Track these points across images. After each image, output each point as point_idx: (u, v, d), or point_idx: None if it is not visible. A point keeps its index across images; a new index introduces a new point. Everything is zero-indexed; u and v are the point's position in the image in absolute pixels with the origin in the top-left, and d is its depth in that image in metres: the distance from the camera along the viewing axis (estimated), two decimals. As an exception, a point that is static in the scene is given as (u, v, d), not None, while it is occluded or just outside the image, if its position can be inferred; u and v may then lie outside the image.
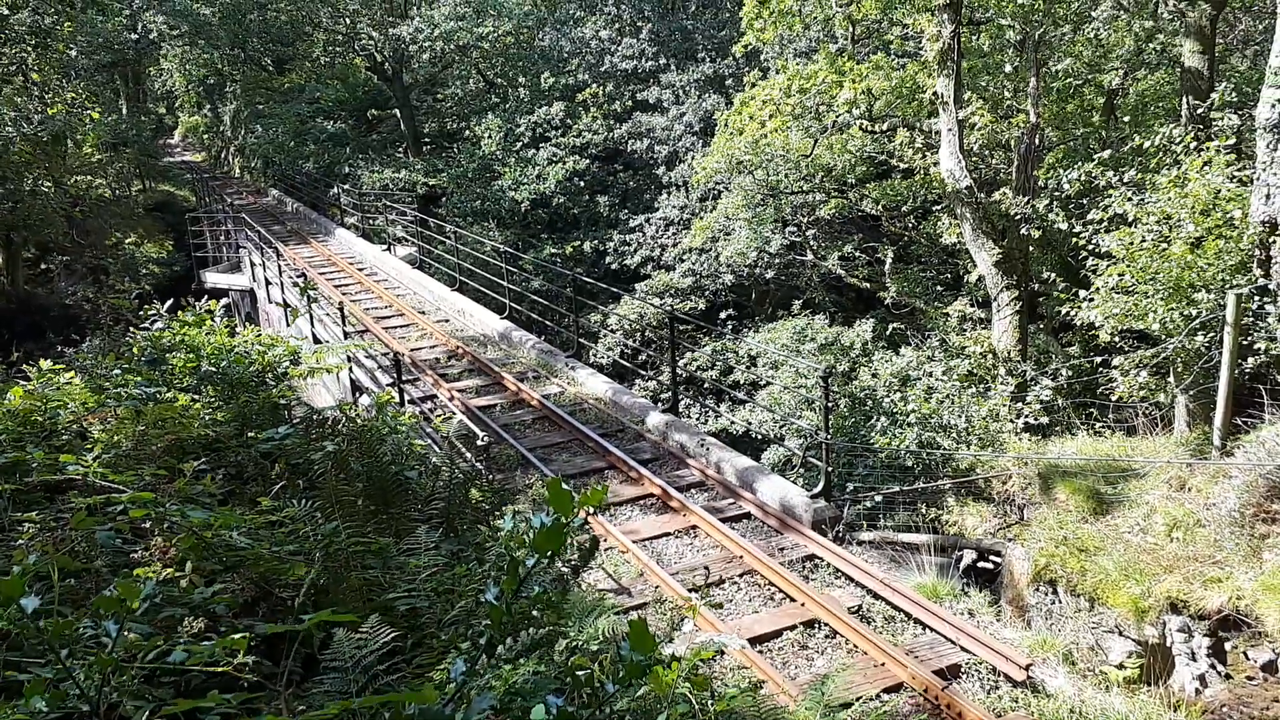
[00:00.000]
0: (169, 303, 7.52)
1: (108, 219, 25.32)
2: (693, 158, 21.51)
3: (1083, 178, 10.96)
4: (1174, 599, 7.49)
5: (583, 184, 24.34)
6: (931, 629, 6.61)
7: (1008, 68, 14.84)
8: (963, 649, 6.31)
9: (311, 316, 13.05)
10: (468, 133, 27.20)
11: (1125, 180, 10.60)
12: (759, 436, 15.76)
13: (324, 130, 31.34)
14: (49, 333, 21.11)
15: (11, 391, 4.68)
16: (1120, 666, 7.21)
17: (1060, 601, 8.22)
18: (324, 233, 25.10)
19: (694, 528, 8.30)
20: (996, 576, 9.03)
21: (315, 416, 5.38)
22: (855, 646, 6.43)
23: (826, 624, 6.70)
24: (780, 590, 7.20)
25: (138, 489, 3.48)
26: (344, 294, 17.30)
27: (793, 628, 6.69)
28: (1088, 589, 7.95)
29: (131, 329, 6.98)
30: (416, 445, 5.81)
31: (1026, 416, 11.61)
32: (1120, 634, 7.60)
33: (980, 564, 9.26)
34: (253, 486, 4.26)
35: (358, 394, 11.50)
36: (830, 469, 8.54)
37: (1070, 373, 12.64)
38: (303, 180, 30.39)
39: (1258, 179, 9.07)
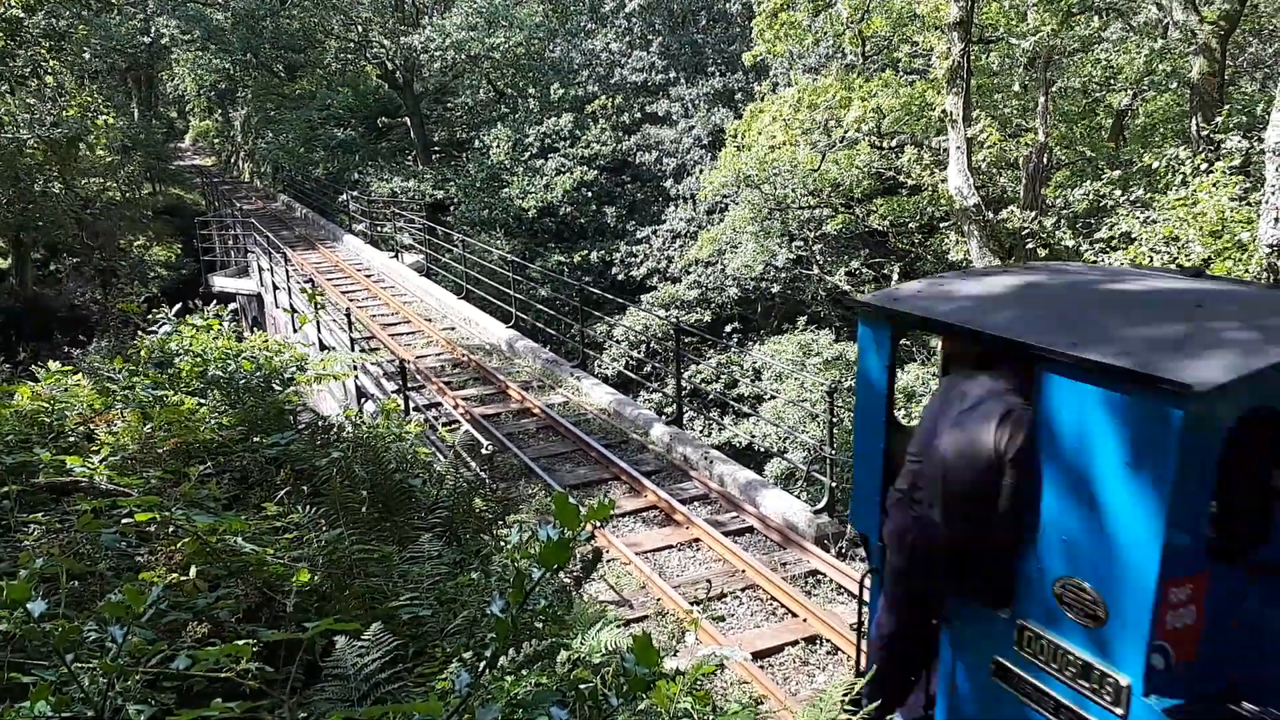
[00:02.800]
0: (177, 306, 7.54)
1: (117, 221, 25.46)
2: (701, 171, 21.55)
3: (1090, 196, 10.93)
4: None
5: (590, 195, 24.39)
6: (934, 647, 6.58)
7: (1016, 87, 14.87)
8: (965, 668, 6.27)
9: (318, 322, 13.08)
10: (477, 142, 27.30)
11: (1133, 200, 10.59)
12: (763, 450, 15.72)
13: (334, 137, 31.49)
14: (56, 333, 21.22)
15: (19, 391, 4.69)
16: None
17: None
18: (332, 239, 25.18)
19: (696, 540, 8.28)
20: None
21: (321, 422, 5.38)
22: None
23: (829, 640, 6.68)
24: (782, 605, 7.18)
25: (144, 492, 3.49)
26: (351, 300, 17.34)
27: (795, 643, 6.67)
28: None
29: (139, 332, 6.99)
30: (421, 453, 5.81)
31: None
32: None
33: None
34: (258, 491, 4.26)
35: (363, 400, 11.51)
36: (834, 484, 8.52)
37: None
38: (312, 186, 30.51)
39: (1266, 202, 9.06)
